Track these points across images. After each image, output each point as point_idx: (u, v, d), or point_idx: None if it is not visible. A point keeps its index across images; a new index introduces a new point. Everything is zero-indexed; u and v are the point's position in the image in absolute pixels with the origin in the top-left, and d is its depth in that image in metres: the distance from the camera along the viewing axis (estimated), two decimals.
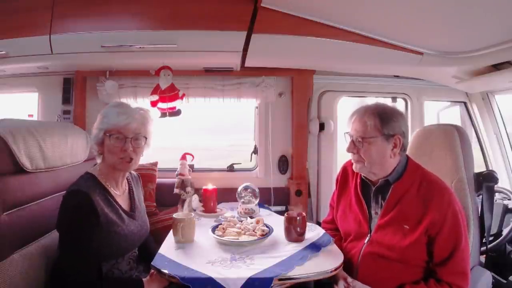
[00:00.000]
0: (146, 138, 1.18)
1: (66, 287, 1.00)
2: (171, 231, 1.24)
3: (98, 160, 1.17)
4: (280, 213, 1.53)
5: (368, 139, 1.09)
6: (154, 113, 1.75)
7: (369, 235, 1.14)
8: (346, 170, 1.31)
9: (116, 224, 1.09)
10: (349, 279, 1.06)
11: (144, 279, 1.05)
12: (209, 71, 1.87)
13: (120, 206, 1.15)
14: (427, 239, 1.03)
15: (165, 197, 1.79)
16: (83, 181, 1.09)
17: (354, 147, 1.13)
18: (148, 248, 1.28)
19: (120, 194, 1.19)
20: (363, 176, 1.20)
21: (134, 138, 1.13)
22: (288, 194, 1.96)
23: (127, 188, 1.25)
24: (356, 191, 1.21)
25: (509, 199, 1.66)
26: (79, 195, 1.01)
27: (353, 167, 1.18)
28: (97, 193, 1.07)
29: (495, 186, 1.36)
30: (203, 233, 1.27)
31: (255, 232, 1.25)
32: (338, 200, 1.31)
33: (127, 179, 1.26)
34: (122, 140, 1.11)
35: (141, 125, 1.15)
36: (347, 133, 1.18)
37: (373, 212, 1.16)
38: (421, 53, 1.61)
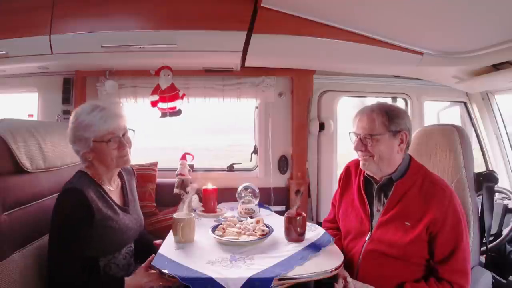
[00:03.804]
0: (134, 131, 1.19)
1: (51, 282, 1.00)
2: (171, 231, 1.24)
3: (85, 165, 1.15)
4: (280, 213, 1.52)
5: (376, 136, 1.10)
6: (154, 112, 1.76)
7: (370, 232, 1.14)
8: (349, 169, 1.32)
9: (111, 219, 1.09)
10: (349, 279, 1.06)
11: (126, 278, 1.04)
12: (209, 71, 1.87)
13: (113, 201, 1.15)
14: (428, 237, 1.03)
15: (165, 197, 1.79)
16: (76, 178, 1.09)
17: (361, 144, 1.14)
18: (145, 243, 1.29)
19: (113, 190, 1.19)
20: (366, 175, 1.20)
21: (123, 134, 1.14)
22: (288, 194, 1.96)
23: (119, 183, 1.26)
24: (359, 189, 1.22)
25: (509, 199, 1.66)
26: (74, 193, 1.02)
27: (361, 165, 1.18)
28: (91, 190, 1.07)
29: (495, 186, 1.36)
30: (203, 233, 1.26)
31: (255, 232, 1.24)
32: (340, 198, 1.32)
33: (118, 174, 1.27)
34: (116, 141, 1.12)
35: (124, 120, 1.16)
36: (352, 132, 1.18)
37: (375, 209, 1.17)
38: (421, 53, 1.61)
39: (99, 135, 1.09)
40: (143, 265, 1.09)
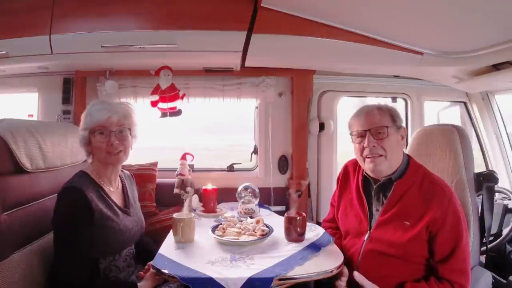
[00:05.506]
0: (130, 129, 1.19)
1: (60, 285, 1.00)
2: (171, 231, 1.24)
3: (89, 160, 1.19)
4: (280, 213, 1.53)
5: (390, 128, 1.11)
6: (154, 112, 1.76)
7: (368, 232, 1.14)
8: (347, 169, 1.32)
9: (111, 219, 1.10)
10: (355, 273, 1.06)
11: (138, 284, 1.05)
12: (209, 71, 1.87)
13: (114, 202, 1.16)
14: (428, 236, 1.03)
15: (165, 197, 1.79)
16: (77, 178, 1.10)
17: (373, 140, 1.11)
18: (147, 248, 1.29)
19: (113, 191, 1.20)
20: (365, 174, 1.20)
21: (118, 131, 1.14)
22: (288, 194, 1.96)
23: (120, 185, 1.26)
24: (358, 189, 1.22)
25: (509, 199, 1.66)
26: (73, 192, 1.02)
27: (371, 167, 1.12)
28: (91, 190, 1.08)
29: (495, 186, 1.36)
30: (203, 233, 1.27)
31: (255, 232, 1.25)
32: (339, 198, 1.32)
33: (120, 177, 1.27)
34: (107, 135, 1.12)
35: (124, 118, 1.16)
36: (356, 131, 1.15)
37: (374, 209, 1.17)
38: (421, 53, 1.61)
39: (92, 126, 1.12)
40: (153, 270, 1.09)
